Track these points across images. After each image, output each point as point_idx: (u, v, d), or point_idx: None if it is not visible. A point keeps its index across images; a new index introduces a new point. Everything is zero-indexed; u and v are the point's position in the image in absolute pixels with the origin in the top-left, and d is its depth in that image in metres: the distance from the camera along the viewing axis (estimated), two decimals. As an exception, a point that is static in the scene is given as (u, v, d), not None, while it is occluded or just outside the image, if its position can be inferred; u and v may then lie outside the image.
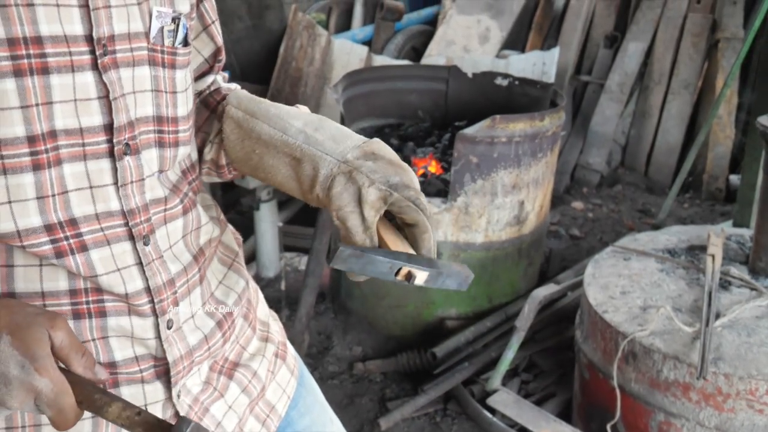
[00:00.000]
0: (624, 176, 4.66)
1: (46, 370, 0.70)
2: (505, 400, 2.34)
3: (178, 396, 0.91)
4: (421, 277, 0.84)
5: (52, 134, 0.76)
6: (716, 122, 4.29)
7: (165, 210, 0.89)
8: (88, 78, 0.78)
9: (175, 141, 0.90)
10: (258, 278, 3.31)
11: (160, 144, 0.88)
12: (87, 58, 0.77)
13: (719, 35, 4.42)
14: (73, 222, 0.79)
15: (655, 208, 4.23)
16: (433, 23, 5.15)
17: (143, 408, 0.83)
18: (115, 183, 0.82)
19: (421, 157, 3.05)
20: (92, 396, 0.74)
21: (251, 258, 3.39)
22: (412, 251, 0.87)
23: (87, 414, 0.83)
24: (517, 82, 3.28)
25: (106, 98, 0.79)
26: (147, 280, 0.85)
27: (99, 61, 0.78)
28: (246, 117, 0.94)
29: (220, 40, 1.02)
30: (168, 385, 0.89)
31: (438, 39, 4.75)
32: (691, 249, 2.38)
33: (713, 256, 2.16)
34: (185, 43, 0.90)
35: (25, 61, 0.73)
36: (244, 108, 0.95)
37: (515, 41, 4.75)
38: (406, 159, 2.93)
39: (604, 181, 4.62)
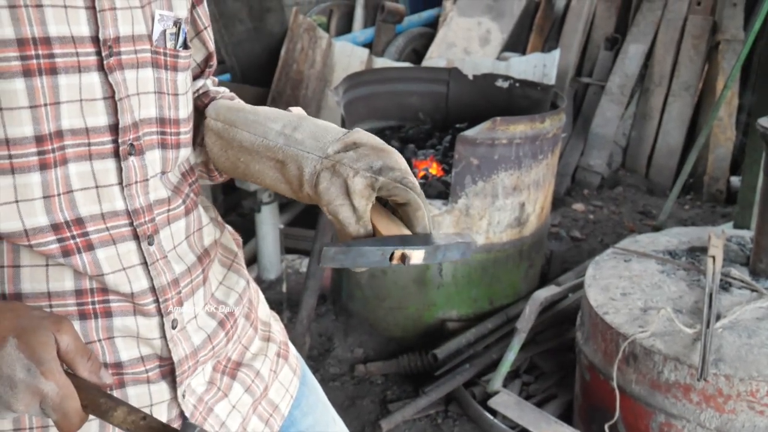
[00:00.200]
0: (625, 178, 4.66)
1: (52, 374, 0.70)
2: (506, 402, 2.34)
3: (183, 396, 0.91)
4: (417, 256, 0.82)
5: (59, 134, 0.77)
6: (717, 124, 4.30)
7: (168, 210, 0.89)
8: (93, 78, 0.79)
9: (177, 143, 0.91)
10: (259, 280, 3.31)
11: (163, 145, 0.89)
12: (93, 59, 0.78)
13: (719, 37, 4.43)
14: (79, 221, 0.80)
15: (655, 209, 4.24)
16: (433, 25, 5.16)
17: (148, 412, 0.84)
18: (120, 183, 0.83)
19: (422, 159, 3.05)
20: (97, 400, 0.74)
21: (252, 260, 3.39)
22: (407, 232, 0.86)
23: (92, 416, 0.83)
24: (517, 84, 3.29)
25: (111, 99, 0.80)
26: (152, 279, 0.85)
27: (105, 62, 0.79)
28: (225, 127, 0.94)
29: (211, 45, 1.02)
30: (173, 385, 0.90)
31: (439, 41, 4.76)
32: (691, 250, 2.39)
33: (714, 258, 2.17)
34: (186, 46, 0.91)
35: (34, 61, 0.73)
36: (222, 118, 0.95)
37: (516, 43, 4.75)
38: (407, 161, 2.94)
39: (604, 182, 4.62)
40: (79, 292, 0.81)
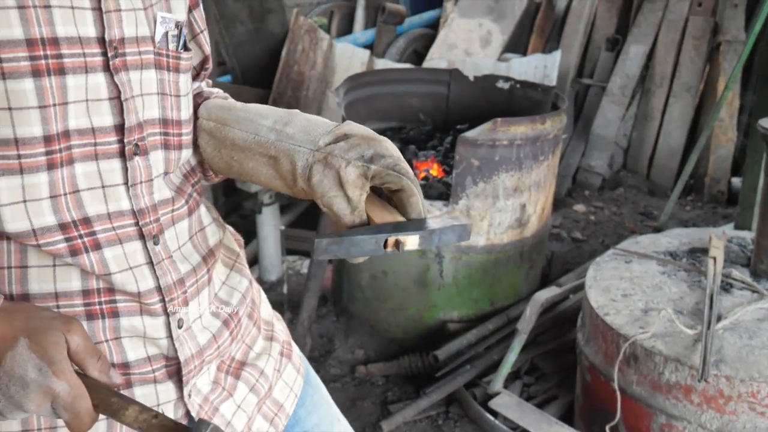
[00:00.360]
0: (626, 179, 4.66)
1: (63, 374, 0.71)
2: (507, 403, 2.34)
3: (189, 396, 0.92)
4: (411, 242, 0.82)
5: (66, 134, 0.77)
6: (718, 125, 4.30)
7: (173, 211, 0.90)
8: (99, 79, 0.79)
9: (179, 143, 0.92)
10: (260, 282, 3.31)
11: (166, 146, 0.89)
12: (99, 59, 0.79)
13: (720, 38, 4.43)
14: (86, 221, 0.80)
15: (656, 210, 4.24)
16: (434, 27, 5.16)
17: (158, 410, 0.84)
18: (126, 183, 0.83)
19: (423, 161, 3.06)
20: (108, 399, 0.74)
21: (253, 261, 3.39)
22: (402, 219, 0.86)
23: (101, 416, 0.84)
24: (518, 86, 3.29)
25: (117, 99, 0.81)
26: (158, 279, 0.86)
27: (111, 63, 0.80)
28: (218, 126, 0.95)
29: (207, 48, 1.03)
30: (179, 385, 0.90)
31: (440, 42, 4.76)
32: (692, 251, 2.39)
33: (715, 259, 2.17)
34: (186, 48, 0.92)
35: (43, 61, 0.74)
36: (214, 118, 0.96)
37: (517, 44, 4.76)
38: (408, 162, 2.93)
39: (605, 183, 4.62)
40: (86, 292, 0.82)
